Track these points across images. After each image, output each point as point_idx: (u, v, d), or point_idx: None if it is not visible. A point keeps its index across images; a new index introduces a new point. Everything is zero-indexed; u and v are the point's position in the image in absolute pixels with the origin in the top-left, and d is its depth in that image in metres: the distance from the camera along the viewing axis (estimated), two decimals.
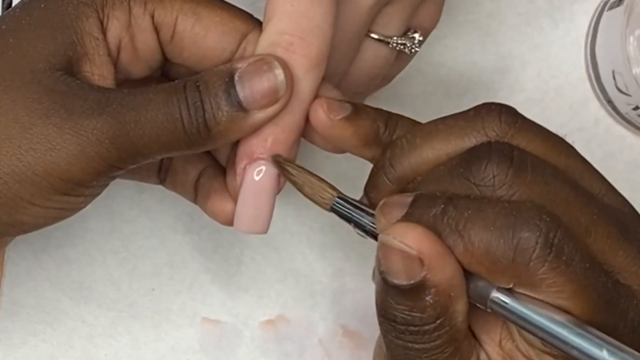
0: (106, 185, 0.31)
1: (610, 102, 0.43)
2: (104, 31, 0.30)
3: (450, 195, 0.27)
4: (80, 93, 0.28)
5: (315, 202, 0.30)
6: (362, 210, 0.29)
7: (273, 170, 0.30)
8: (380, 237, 0.27)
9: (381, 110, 0.31)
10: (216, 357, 0.42)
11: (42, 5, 0.30)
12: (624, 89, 0.41)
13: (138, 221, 0.42)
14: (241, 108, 0.29)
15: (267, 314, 0.42)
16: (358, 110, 0.30)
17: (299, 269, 0.43)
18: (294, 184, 0.30)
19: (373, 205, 0.29)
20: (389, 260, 0.26)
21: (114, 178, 0.30)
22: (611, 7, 0.42)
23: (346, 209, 0.30)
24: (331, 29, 0.30)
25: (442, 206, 0.26)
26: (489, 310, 0.26)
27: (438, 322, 0.26)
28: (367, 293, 0.43)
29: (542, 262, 0.25)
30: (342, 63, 0.33)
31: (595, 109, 0.44)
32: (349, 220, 0.30)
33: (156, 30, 0.31)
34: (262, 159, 0.30)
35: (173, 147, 0.29)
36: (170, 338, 0.42)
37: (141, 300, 0.42)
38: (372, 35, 0.34)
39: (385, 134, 0.30)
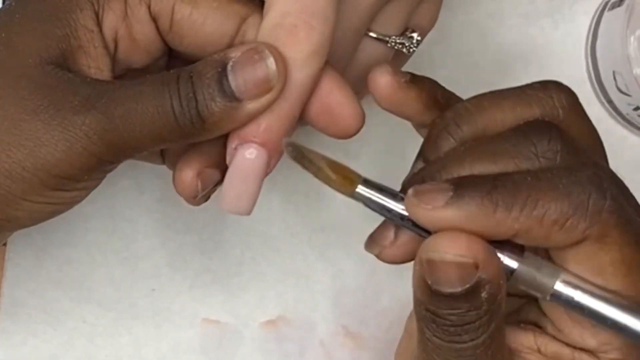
0: (101, 179, 0.31)
1: (610, 102, 0.43)
2: (99, 23, 0.30)
3: (495, 174, 0.27)
4: (71, 88, 0.28)
5: (337, 190, 0.29)
6: (390, 194, 0.28)
7: (263, 154, 0.30)
8: (424, 254, 0.27)
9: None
10: (216, 357, 0.42)
11: None
12: (624, 90, 0.41)
13: (139, 221, 0.42)
14: (234, 98, 0.28)
15: (268, 315, 0.42)
16: (415, 75, 0.31)
17: (300, 269, 0.43)
18: (312, 171, 0.29)
19: (430, 169, 0.29)
20: (440, 273, 0.26)
21: (108, 172, 0.30)
22: (612, 8, 0.42)
23: (373, 195, 0.28)
24: (334, 16, 0.29)
25: (493, 181, 0.26)
26: (547, 299, 0.27)
27: (490, 312, 0.26)
28: (367, 293, 0.43)
29: (613, 213, 0.26)
30: (341, 61, 0.33)
31: (596, 109, 0.44)
32: (377, 206, 0.28)
33: (154, 19, 0.30)
34: (253, 142, 0.30)
35: (166, 139, 0.29)
36: (171, 338, 0.42)
37: (142, 301, 0.42)
38: (371, 34, 0.34)
39: (442, 98, 0.31)
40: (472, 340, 0.27)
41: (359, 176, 0.29)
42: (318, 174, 0.29)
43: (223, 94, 0.28)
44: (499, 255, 0.27)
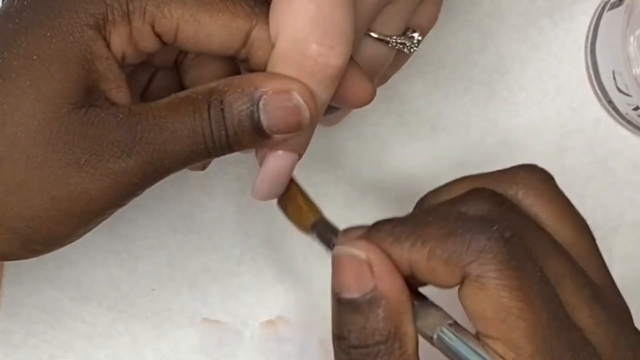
0: None
1: (610, 102, 0.43)
2: (110, 49, 0.30)
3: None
4: (107, 132, 0.29)
5: (297, 227, 0.32)
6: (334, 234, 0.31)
7: (293, 159, 0.31)
8: (332, 252, 0.28)
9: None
10: (216, 357, 0.42)
11: (48, 34, 0.29)
12: (624, 89, 0.41)
13: (138, 221, 0.42)
14: (265, 135, 0.29)
15: (267, 315, 0.42)
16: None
17: (299, 269, 0.43)
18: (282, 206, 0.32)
19: None
20: (341, 273, 0.27)
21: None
22: (611, 7, 0.42)
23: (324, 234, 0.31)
24: (353, 27, 0.29)
25: (400, 219, 0.28)
26: (434, 344, 0.27)
27: (389, 342, 0.27)
28: None
29: (493, 252, 0.25)
30: None
31: (596, 109, 0.44)
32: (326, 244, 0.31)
33: (157, 35, 0.30)
34: (284, 150, 0.31)
35: (194, 163, 0.30)
36: (170, 338, 0.42)
37: (141, 301, 0.42)
38: (372, 34, 0.34)
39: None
40: None
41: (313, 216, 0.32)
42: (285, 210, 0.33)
43: (254, 130, 0.29)
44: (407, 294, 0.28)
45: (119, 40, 0.30)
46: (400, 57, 0.36)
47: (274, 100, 0.28)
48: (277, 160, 0.31)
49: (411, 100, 0.43)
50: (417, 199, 0.43)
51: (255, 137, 0.29)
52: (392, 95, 0.43)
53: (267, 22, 0.30)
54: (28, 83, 0.28)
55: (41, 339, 0.41)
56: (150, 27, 0.30)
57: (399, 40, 0.34)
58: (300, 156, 0.31)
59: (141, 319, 0.42)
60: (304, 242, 0.43)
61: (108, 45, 0.30)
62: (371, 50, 0.34)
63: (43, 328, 0.41)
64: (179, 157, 0.29)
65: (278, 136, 0.29)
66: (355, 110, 0.42)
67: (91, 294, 0.42)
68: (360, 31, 0.33)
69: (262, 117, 0.28)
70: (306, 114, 0.29)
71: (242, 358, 0.42)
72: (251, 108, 0.28)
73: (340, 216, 0.43)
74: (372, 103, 0.42)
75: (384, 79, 0.38)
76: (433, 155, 0.43)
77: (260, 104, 0.28)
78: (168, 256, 0.42)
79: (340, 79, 0.30)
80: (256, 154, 0.32)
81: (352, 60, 0.31)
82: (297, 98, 0.28)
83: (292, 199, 0.32)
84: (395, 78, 0.39)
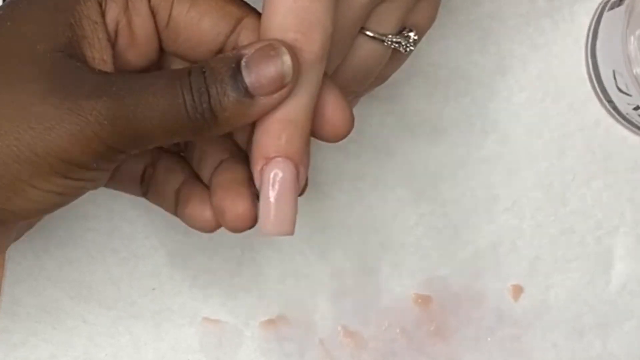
0: (108, 171, 0.31)
1: (610, 102, 0.43)
2: (103, 15, 0.30)
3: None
4: (80, 75, 0.28)
5: None
6: None
7: (291, 167, 0.30)
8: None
9: None
10: (216, 357, 0.42)
11: None
12: (624, 89, 0.41)
13: (139, 221, 0.42)
14: (247, 94, 0.29)
15: (268, 314, 0.42)
16: None
17: (299, 269, 0.43)
18: None
19: None
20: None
21: (116, 163, 0.30)
22: (612, 7, 0.42)
23: None
24: (332, 23, 0.30)
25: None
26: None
27: None
28: (367, 293, 0.43)
29: None
30: (334, 60, 0.33)
31: (596, 109, 0.44)
32: None
33: (153, 14, 0.31)
34: (278, 157, 0.30)
35: (177, 133, 0.29)
36: (171, 338, 0.42)
37: (142, 300, 0.42)
38: (367, 32, 0.34)
39: None
40: None
41: None
42: None
43: (237, 89, 0.28)
44: None
45: (114, 7, 0.30)
46: (397, 57, 0.36)
47: (257, 56, 0.29)
48: (274, 176, 0.30)
49: (412, 100, 0.43)
50: (417, 198, 0.43)
51: (238, 97, 0.28)
52: (393, 95, 0.43)
53: (257, 17, 0.31)
54: (9, 24, 0.29)
55: (41, 339, 0.41)
56: (147, 0, 0.31)
57: (394, 39, 0.34)
58: (298, 169, 0.30)
59: (141, 319, 0.42)
60: (304, 241, 0.43)
61: (102, 12, 0.30)
62: (366, 49, 0.34)
63: (43, 327, 0.42)
64: (154, 114, 0.28)
65: (263, 99, 0.29)
66: (355, 111, 0.42)
67: (92, 294, 0.42)
68: (351, 29, 0.33)
69: (245, 74, 0.28)
70: (288, 63, 0.29)
71: (242, 358, 0.42)
72: (233, 66, 0.29)
73: (341, 216, 0.43)
74: (372, 103, 0.43)
75: (382, 79, 0.37)
76: (433, 155, 0.43)
77: (243, 62, 0.29)
78: (168, 256, 0.42)
79: (321, 66, 0.30)
80: (255, 180, 0.30)
81: (332, 86, 0.31)
82: (280, 48, 0.29)
83: None
84: (396, 78, 0.38)
